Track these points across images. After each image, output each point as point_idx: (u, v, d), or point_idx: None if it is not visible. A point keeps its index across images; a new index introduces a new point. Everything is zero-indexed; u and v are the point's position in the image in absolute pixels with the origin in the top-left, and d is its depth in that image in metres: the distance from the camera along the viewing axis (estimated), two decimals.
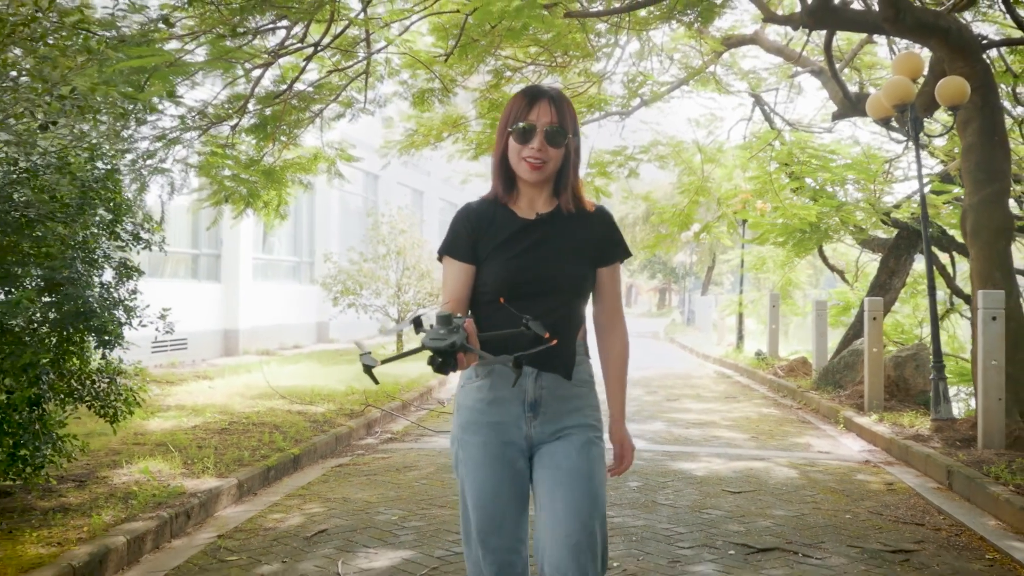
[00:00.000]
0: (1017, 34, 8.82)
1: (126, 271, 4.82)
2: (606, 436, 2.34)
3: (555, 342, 1.92)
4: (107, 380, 4.84)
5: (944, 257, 12.41)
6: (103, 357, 4.78)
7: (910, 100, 7.57)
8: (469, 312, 2.29)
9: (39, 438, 4.38)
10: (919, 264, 12.41)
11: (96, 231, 4.74)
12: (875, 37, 11.08)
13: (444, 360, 1.81)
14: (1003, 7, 8.32)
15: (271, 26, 7.72)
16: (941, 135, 9.42)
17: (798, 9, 8.31)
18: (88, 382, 4.79)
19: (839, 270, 15.41)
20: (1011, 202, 11.75)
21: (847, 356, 10.46)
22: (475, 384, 2.28)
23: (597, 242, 2.30)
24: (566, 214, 2.29)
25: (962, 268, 12.37)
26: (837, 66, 10.91)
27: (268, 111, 8.42)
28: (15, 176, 4.44)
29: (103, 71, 5.17)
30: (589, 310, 2.38)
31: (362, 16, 7.74)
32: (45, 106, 4.22)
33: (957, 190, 10.58)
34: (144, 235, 4.94)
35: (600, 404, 2.35)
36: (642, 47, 11.33)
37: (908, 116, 7.76)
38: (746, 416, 9.22)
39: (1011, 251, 7.68)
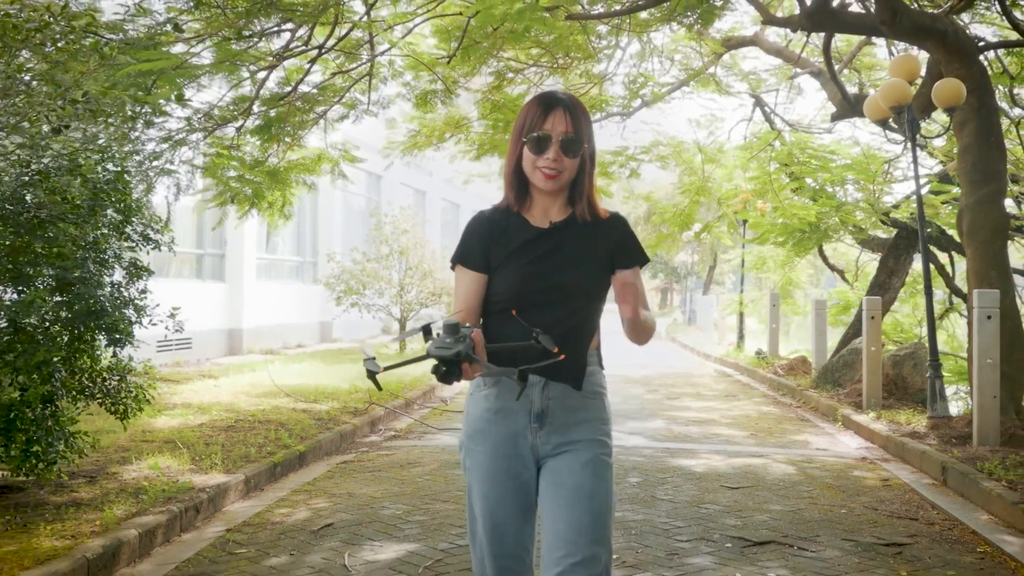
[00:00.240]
0: (1014, 36, 8.90)
1: (136, 271, 4.92)
2: (615, 445, 2.31)
3: (563, 357, 1.91)
4: (117, 378, 4.94)
5: (943, 257, 12.49)
6: (114, 355, 4.88)
7: (907, 102, 7.66)
8: (480, 322, 2.27)
9: (52, 434, 4.48)
10: (918, 264, 12.48)
11: (106, 232, 4.85)
12: (874, 39, 11.16)
13: (448, 369, 1.81)
14: (1000, 9, 8.39)
15: (276, 29, 7.83)
16: (938, 136, 9.51)
17: (797, 12, 8.41)
18: (99, 380, 4.89)
19: (839, 270, 15.50)
20: (1009, 202, 11.87)
21: (846, 355, 10.55)
22: (482, 393, 2.26)
23: (613, 248, 2.27)
24: (580, 222, 2.26)
25: (961, 267, 12.44)
26: (836, 67, 11.01)
27: (273, 113, 8.52)
28: (27, 178, 4.54)
29: (113, 75, 5.27)
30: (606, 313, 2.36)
31: (366, 19, 7.84)
32: (59, 110, 4.32)
33: (956, 190, 10.65)
34: (153, 235, 5.04)
35: (611, 417, 2.32)
36: (643, 49, 11.42)
37: (905, 118, 7.85)
38: (745, 414, 9.32)
39: (1007, 251, 7.77)
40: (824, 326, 11.98)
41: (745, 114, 14.41)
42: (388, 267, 14.84)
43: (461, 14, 8.04)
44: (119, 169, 4.91)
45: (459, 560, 4.10)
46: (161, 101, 6.52)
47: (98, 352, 4.91)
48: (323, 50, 8.05)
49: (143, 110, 6.09)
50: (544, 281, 2.20)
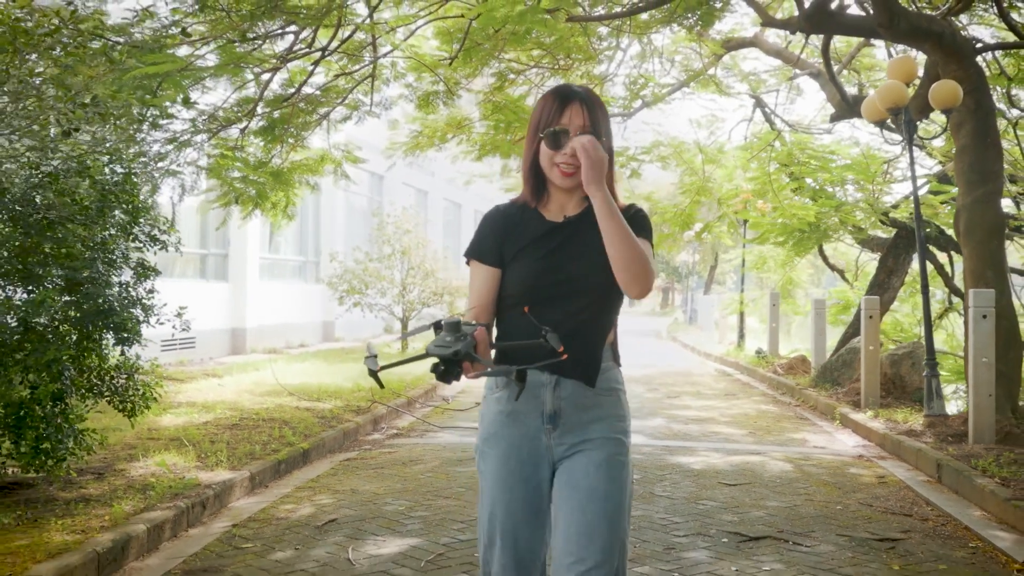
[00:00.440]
0: (1012, 38, 8.97)
1: (143, 271, 5.01)
2: (632, 441, 2.27)
3: (564, 357, 1.88)
4: (125, 376, 5.03)
5: (943, 257, 12.57)
6: (122, 354, 4.97)
7: (903, 103, 7.74)
8: (495, 319, 2.24)
9: (61, 432, 4.57)
10: (918, 263, 12.57)
11: (114, 232, 4.94)
12: (873, 40, 11.24)
13: (447, 368, 1.79)
14: (997, 12, 8.47)
15: (280, 31, 7.91)
16: (935, 137, 9.58)
17: (796, 13, 8.49)
18: (107, 378, 4.98)
19: (839, 269, 15.58)
20: (1008, 202, 11.95)
21: (845, 354, 10.63)
22: (495, 396, 2.23)
23: None
24: (595, 216, 2.16)
25: (960, 267, 12.51)
26: (836, 68, 11.09)
27: (276, 114, 8.61)
28: (37, 180, 4.63)
29: (120, 78, 5.36)
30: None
31: (368, 21, 7.93)
32: (69, 114, 4.41)
33: (955, 190, 10.73)
34: (160, 236, 5.13)
35: (628, 414, 2.27)
36: (643, 50, 11.51)
37: (902, 119, 7.93)
38: (744, 413, 9.40)
39: (1004, 251, 7.85)
40: (823, 325, 12.06)
41: (745, 114, 14.50)
42: (390, 267, 14.93)
43: (463, 16, 8.13)
44: (127, 171, 5.00)
45: (460, 554, 4.19)
46: (167, 104, 6.60)
47: (106, 351, 5.00)
48: (326, 52, 8.13)
49: (149, 112, 6.17)
50: (555, 275, 2.16)
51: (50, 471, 4.59)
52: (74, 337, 4.79)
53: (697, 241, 20.01)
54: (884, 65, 12.38)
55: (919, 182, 12.08)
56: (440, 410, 9.17)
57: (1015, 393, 7.41)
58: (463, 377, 1.88)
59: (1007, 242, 12.66)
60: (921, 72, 8.91)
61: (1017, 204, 12.23)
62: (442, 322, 1.84)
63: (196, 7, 7.02)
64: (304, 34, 8.10)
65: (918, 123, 9.94)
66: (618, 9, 9.11)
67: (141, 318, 4.87)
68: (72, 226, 4.67)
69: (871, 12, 7.98)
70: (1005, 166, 10.68)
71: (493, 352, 2.06)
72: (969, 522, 4.92)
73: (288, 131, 8.94)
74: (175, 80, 6.37)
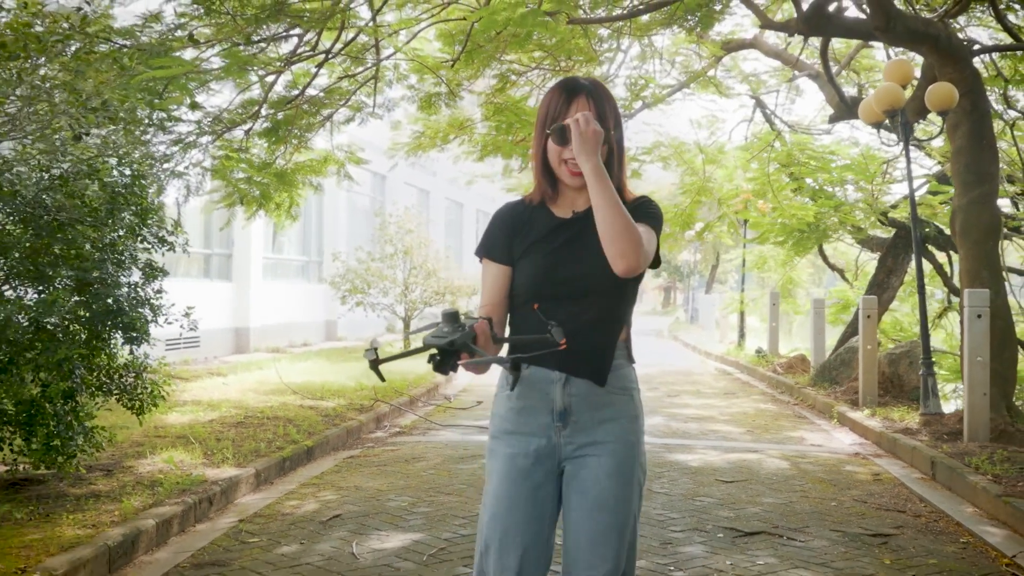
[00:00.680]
0: (1008, 40, 9.05)
1: (151, 272, 5.11)
2: (645, 443, 2.23)
3: (562, 346, 1.88)
4: (133, 375, 5.14)
5: (942, 256, 12.65)
6: (130, 353, 5.08)
7: (900, 106, 7.83)
8: (507, 316, 2.22)
9: (72, 429, 4.68)
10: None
11: (123, 234, 5.04)
12: (871, 41, 11.32)
13: (442, 358, 1.79)
14: (993, 14, 8.56)
15: (284, 34, 8.02)
16: (932, 139, 9.67)
17: (795, 16, 8.57)
18: (116, 376, 5.08)
19: (839, 269, 15.66)
20: (1006, 202, 12.03)
21: (843, 353, 10.72)
22: (505, 393, 2.19)
23: None
24: None
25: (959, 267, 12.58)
26: (835, 69, 11.18)
27: (280, 115, 8.71)
28: (47, 183, 4.73)
29: (129, 82, 5.46)
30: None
31: (371, 24, 8.03)
32: (81, 118, 4.51)
33: (953, 190, 10.82)
34: (168, 238, 5.23)
35: (641, 414, 2.22)
36: (643, 51, 11.60)
37: (899, 121, 8.02)
38: (743, 411, 9.49)
39: (999, 251, 7.94)
40: (823, 325, 12.15)
41: (745, 115, 14.55)
42: (392, 266, 15.02)
43: (465, 19, 8.22)
44: (135, 173, 5.10)
45: (462, 548, 4.29)
46: (172, 106, 6.71)
47: (114, 350, 5.11)
48: (330, 54, 8.24)
49: (157, 116, 6.28)
50: (562, 272, 2.13)
51: (60, 467, 4.69)
52: (83, 336, 4.89)
53: (698, 241, 20.10)
54: (883, 66, 12.46)
55: (919, 182, 12.23)
56: (442, 408, 9.27)
57: (1010, 392, 7.51)
58: (460, 368, 1.86)
59: (1007, 242, 12.78)
60: (918, 74, 9.01)
61: (1016, 204, 12.31)
62: (441, 313, 1.86)
63: (201, 10, 7.13)
64: (308, 37, 8.20)
65: (918, 123, 10.04)
66: (618, 11, 9.19)
67: (149, 318, 4.97)
68: (82, 227, 4.78)
69: (868, 15, 8.06)
70: (1003, 167, 10.78)
71: (506, 346, 2.06)
72: (961, 518, 5.01)
73: (292, 132, 9.04)
74: (182, 84, 6.47)
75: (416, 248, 15.07)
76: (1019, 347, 10.44)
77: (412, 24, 8.46)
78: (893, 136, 10.18)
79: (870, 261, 14.81)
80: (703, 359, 17.84)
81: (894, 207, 12.05)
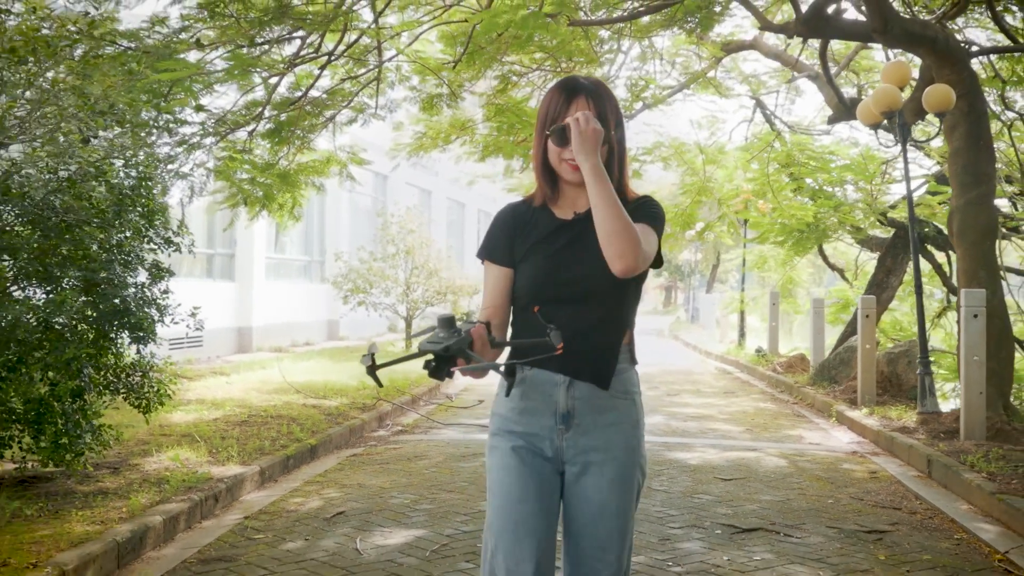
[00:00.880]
0: (1006, 41, 9.12)
1: (158, 272, 5.19)
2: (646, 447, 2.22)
3: (559, 351, 1.88)
4: (140, 374, 5.21)
5: (941, 256, 12.71)
6: (137, 352, 5.15)
7: (898, 107, 7.90)
8: (509, 319, 2.21)
9: (80, 427, 4.75)
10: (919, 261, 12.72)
11: (129, 235, 5.12)
12: (870, 43, 11.38)
13: (438, 364, 1.77)
14: (991, 16, 8.62)
15: (287, 36, 8.09)
16: (929, 140, 9.73)
17: (794, 17, 8.64)
18: (123, 376, 5.16)
19: (839, 268, 15.73)
20: (1005, 202, 12.10)
21: (842, 352, 10.80)
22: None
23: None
24: None
25: None
26: (834, 70, 11.24)
27: (284, 117, 8.79)
28: (55, 185, 4.80)
29: (135, 85, 5.54)
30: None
31: (374, 26, 8.11)
32: (90, 122, 4.59)
33: (951, 191, 10.89)
34: (174, 238, 5.31)
35: (643, 419, 2.22)
36: (644, 52, 11.67)
37: (897, 122, 8.09)
38: (743, 410, 9.57)
39: (996, 251, 8.01)
40: (822, 324, 12.22)
41: (745, 115, 14.61)
42: (394, 266, 15.10)
43: (466, 21, 8.30)
44: (141, 175, 5.18)
45: (464, 544, 4.37)
46: (177, 109, 6.78)
47: (121, 349, 5.18)
48: (333, 56, 8.31)
49: (163, 119, 6.36)
50: (563, 274, 2.12)
51: (69, 465, 4.77)
52: (91, 336, 4.97)
53: (699, 241, 20.18)
54: (882, 67, 12.53)
55: (919, 182, 12.30)
56: (444, 407, 9.35)
57: (1007, 391, 7.58)
58: (456, 374, 1.85)
59: (1006, 242, 12.85)
60: (916, 75, 9.08)
61: (1014, 204, 12.37)
62: (437, 318, 1.85)
63: (206, 13, 7.21)
64: (311, 39, 8.28)
65: (917, 124, 10.11)
66: (619, 13, 9.26)
67: (156, 318, 5.05)
68: (89, 229, 4.85)
69: (866, 17, 8.13)
70: (1001, 167, 10.85)
71: (507, 349, 2.03)
72: (955, 515, 5.08)
73: (295, 133, 9.12)
74: (186, 87, 6.54)
75: (418, 248, 15.15)
76: (1018, 346, 10.56)
77: (414, 26, 8.53)
78: (891, 137, 10.24)
79: (870, 261, 14.87)
80: (703, 358, 17.91)
81: (893, 207, 12.12)
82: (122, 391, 5.16)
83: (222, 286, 14.26)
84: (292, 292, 16.52)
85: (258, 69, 7.84)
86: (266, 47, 7.95)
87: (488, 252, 2.22)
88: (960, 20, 9.86)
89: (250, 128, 8.70)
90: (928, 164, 13.13)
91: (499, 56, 9.63)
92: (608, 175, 2.07)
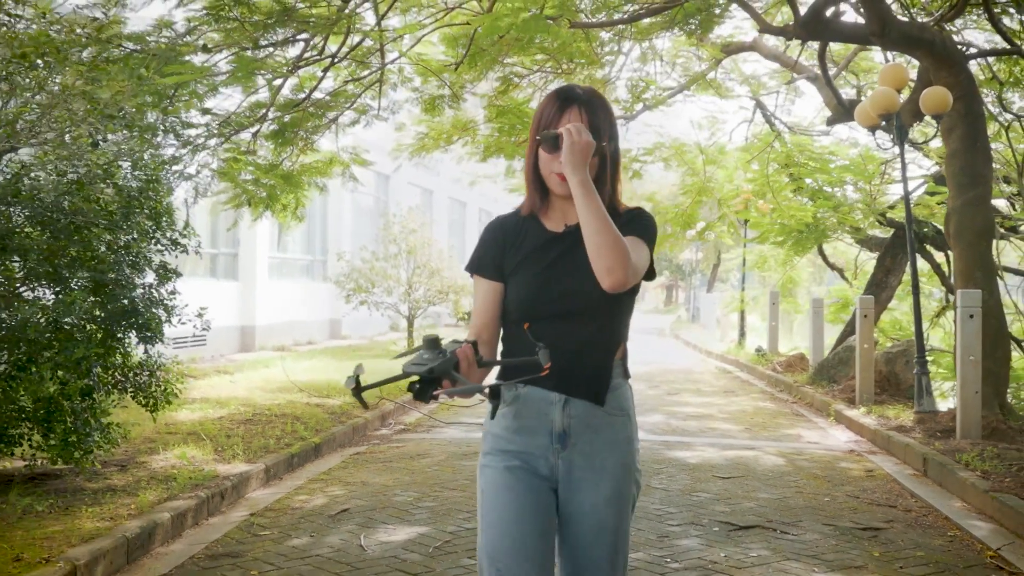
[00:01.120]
0: (1004, 43, 9.18)
1: (165, 273, 5.28)
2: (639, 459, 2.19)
3: (545, 373, 1.84)
4: (147, 373, 5.30)
5: (940, 256, 12.79)
6: (145, 352, 5.24)
7: (895, 110, 7.98)
8: (500, 335, 2.16)
9: (89, 426, 4.84)
10: (918, 261, 12.80)
11: (137, 236, 5.21)
12: (868, 45, 11.45)
13: (422, 387, 1.73)
14: (988, 18, 8.69)
15: (291, 39, 8.17)
16: (927, 140, 9.81)
17: (793, 20, 8.71)
18: (131, 375, 5.25)
19: (839, 268, 15.81)
20: (1003, 203, 12.17)
21: (841, 352, 10.88)
22: (501, 411, 2.11)
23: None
24: None
25: None
26: (833, 71, 11.32)
27: (287, 118, 8.87)
28: (64, 187, 4.89)
29: (141, 89, 5.62)
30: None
31: (376, 29, 8.19)
32: (100, 126, 4.67)
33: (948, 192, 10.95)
34: (181, 240, 5.40)
35: (637, 435, 2.18)
36: (644, 53, 11.75)
37: (894, 124, 8.16)
38: (742, 409, 9.65)
39: (992, 252, 8.09)
40: (821, 324, 12.31)
41: (746, 116, 14.69)
42: (396, 266, 15.18)
43: (468, 24, 8.37)
44: (149, 177, 5.26)
45: (466, 541, 4.45)
46: (182, 111, 6.87)
47: (129, 349, 5.27)
48: (336, 59, 8.39)
49: (169, 122, 6.45)
50: (554, 289, 2.06)
51: (78, 462, 4.85)
52: (99, 336, 5.05)
53: (699, 240, 20.26)
54: (881, 68, 12.60)
55: (918, 182, 12.38)
56: (446, 407, 9.43)
57: (1003, 390, 7.66)
58: (441, 396, 1.80)
59: (1005, 242, 12.93)
60: (914, 76, 9.15)
61: (1013, 205, 12.45)
62: (422, 338, 1.81)
63: (210, 16, 7.29)
64: (314, 41, 8.36)
65: (917, 125, 10.18)
66: (619, 15, 9.34)
67: (163, 318, 5.14)
68: (97, 230, 4.94)
69: (864, 20, 8.20)
70: (999, 167, 10.93)
71: (497, 369, 1.99)
72: (950, 512, 5.17)
73: (298, 135, 9.20)
74: (192, 90, 6.63)
75: (420, 247, 15.22)
76: (1017, 345, 10.64)
77: (416, 29, 8.61)
78: (890, 139, 10.31)
79: (869, 260, 14.95)
80: (704, 358, 17.99)
81: (892, 207, 12.19)
82: (130, 390, 5.25)
83: (225, 285, 14.35)
84: (295, 291, 16.62)
85: (262, 72, 7.93)
86: (270, 50, 8.04)
87: (477, 266, 2.16)
88: (958, 22, 9.93)
89: (254, 130, 8.79)
90: (927, 164, 13.21)
91: (500, 58, 9.71)
92: (600, 186, 2.05)
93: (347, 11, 7.66)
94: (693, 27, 9.84)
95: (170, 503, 4.66)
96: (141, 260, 5.17)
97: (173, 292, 5.31)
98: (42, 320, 4.73)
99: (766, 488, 5.73)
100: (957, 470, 5.70)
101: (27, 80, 4.76)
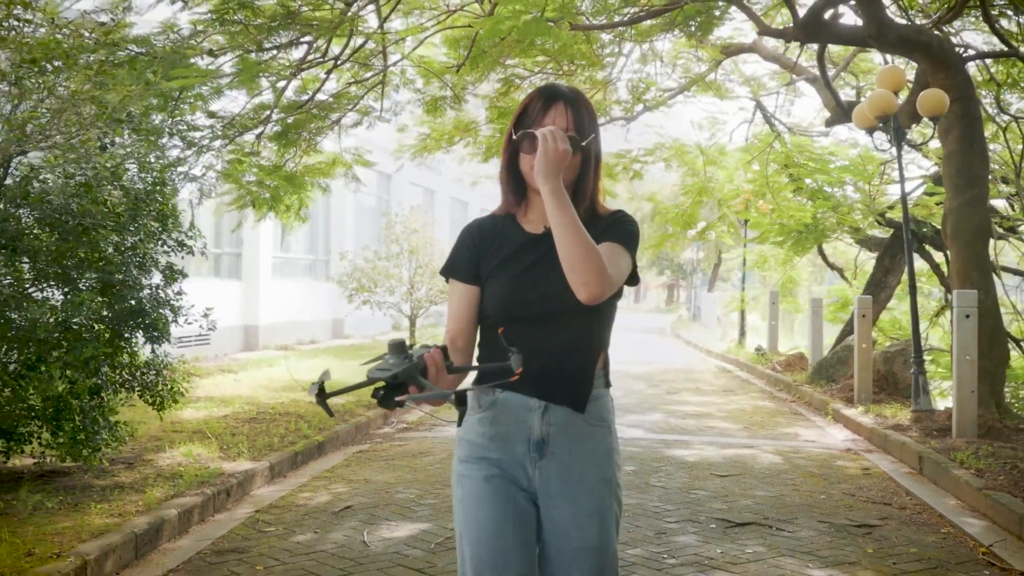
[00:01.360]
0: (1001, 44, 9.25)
1: (171, 274, 5.37)
2: (622, 472, 2.13)
3: (515, 378, 1.77)
4: (154, 372, 5.39)
5: (939, 256, 12.86)
6: (151, 351, 5.33)
7: (892, 112, 8.06)
8: (478, 340, 2.09)
9: (97, 424, 4.93)
10: (917, 261, 12.87)
11: (144, 237, 5.29)
12: (866, 47, 11.52)
13: (386, 393, 1.68)
14: (985, 20, 8.76)
15: (295, 41, 8.26)
16: (925, 141, 9.88)
17: (792, 22, 8.78)
18: (138, 374, 5.34)
19: (838, 268, 15.88)
20: (1002, 203, 12.24)
21: (840, 352, 10.96)
22: (477, 416, 2.04)
23: (599, 237, 1.97)
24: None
25: None
26: (832, 72, 11.40)
27: (291, 120, 8.96)
28: (73, 189, 4.98)
29: (149, 91, 5.71)
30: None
31: (379, 31, 8.27)
32: (110, 132, 4.76)
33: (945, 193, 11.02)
34: (187, 241, 5.48)
35: (618, 447, 2.10)
36: (645, 55, 11.83)
37: (892, 126, 8.24)
38: (741, 408, 9.73)
39: (988, 252, 8.17)
40: (820, 324, 12.39)
41: (746, 117, 14.76)
42: (398, 265, 15.26)
43: (470, 26, 8.46)
44: (156, 180, 5.35)
45: None
46: (188, 115, 6.95)
47: (136, 348, 5.36)
48: (339, 61, 8.48)
49: (175, 126, 6.54)
50: (533, 292, 2.00)
51: (86, 460, 4.93)
52: (107, 336, 5.14)
53: (700, 240, 20.35)
54: (880, 70, 12.67)
55: (918, 183, 12.45)
56: (448, 407, 9.50)
57: (999, 389, 7.74)
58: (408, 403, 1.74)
59: (1004, 242, 13.00)
60: (912, 78, 9.23)
61: (1011, 205, 12.51)
62: (388, 343, 1.74)
63: (215, 19, 7.38)
64: (318, 44, 8.45)
65: (916, 126, 10.25)
66: (619, 18, 9.42)
67: (170, 318, 5.23)
68: (105, 231, 5.02)
69: (862, 23, 8.28)
70: (997, 168, 11.00)
71: (473, 374, 1.93)
72: (944, 510, 5.25)
73: (302, 136, 9.29)
74: (198, 93, 6.71)
75: (422, 247, 15.31)
76: (1016, 345, 10.71)
77: (418, 31, 8.69)
78: (887, 141, 10.39)
79: (869, 260, 15.02)
80: (704, 357, 18.07)
81: (891, 207, 12.27)
82: (137, 389, 5.34)
83: (229, 285, 14.45)
84: (298, 291, 16.71)
85: (266, 74, 8.01)
86: (274, 52, 8.13)
87: (452, 269, 2.10)
88: (956, 23, 10.00)
89: (258, 131, 8.88)
90: (927, 165, 13.28)
91: (502, 60, 9.78)
92: (583, 185, 2.02)
93: (350, 14, 7.74)
94: (693, 29, 9.92)
95: (177, 500, 4.75)
96: (148, 261, 5.26)
97: (180, 293, 5.40)
98: (51, 320, 4.81)
99: (763, 486, 5.81)
100: (952, 468, 5.78)
101: (36, 84, 4.84)
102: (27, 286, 4.94)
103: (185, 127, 6.58)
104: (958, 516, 5.11)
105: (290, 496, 5.42)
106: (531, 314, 1.99)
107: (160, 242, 5.36)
